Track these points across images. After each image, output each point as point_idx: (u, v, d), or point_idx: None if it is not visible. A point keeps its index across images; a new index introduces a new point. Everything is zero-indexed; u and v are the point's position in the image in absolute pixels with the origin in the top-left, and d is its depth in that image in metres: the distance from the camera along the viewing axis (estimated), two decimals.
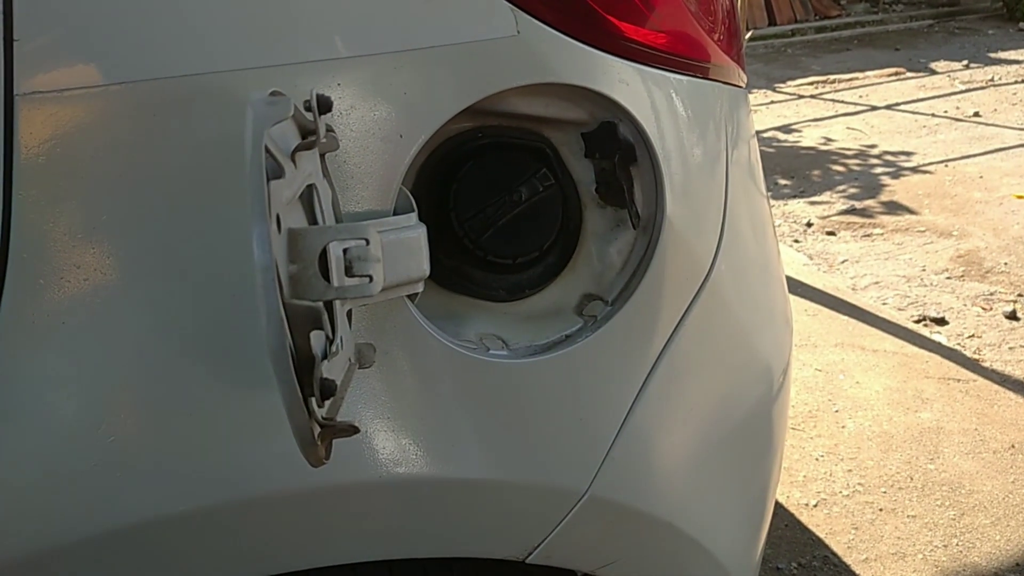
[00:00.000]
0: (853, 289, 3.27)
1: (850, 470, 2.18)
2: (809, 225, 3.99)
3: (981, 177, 4.35)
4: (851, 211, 4.12)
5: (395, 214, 0.65)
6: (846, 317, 3.00)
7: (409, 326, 0.67)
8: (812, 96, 6.35)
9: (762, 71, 7.06)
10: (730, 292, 0.85)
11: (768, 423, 0.94)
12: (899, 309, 3.08)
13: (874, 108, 5.90)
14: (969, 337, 2.83)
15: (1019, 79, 6.29)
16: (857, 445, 2.27)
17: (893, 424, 2.35)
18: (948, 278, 3.29)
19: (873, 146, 5.08)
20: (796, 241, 3.83)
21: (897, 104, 5.93)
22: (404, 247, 0.61)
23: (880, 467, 2.18)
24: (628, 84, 0.73)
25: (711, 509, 0.86)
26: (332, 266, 0.48)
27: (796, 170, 4.75)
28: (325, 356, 0.47)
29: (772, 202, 4.16)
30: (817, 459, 2.23)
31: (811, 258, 3.63)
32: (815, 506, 2.06)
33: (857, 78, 6.71)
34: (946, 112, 5.61)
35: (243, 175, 0.43)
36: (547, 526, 0.75)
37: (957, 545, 1.91)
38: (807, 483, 2.14)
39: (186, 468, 0.63)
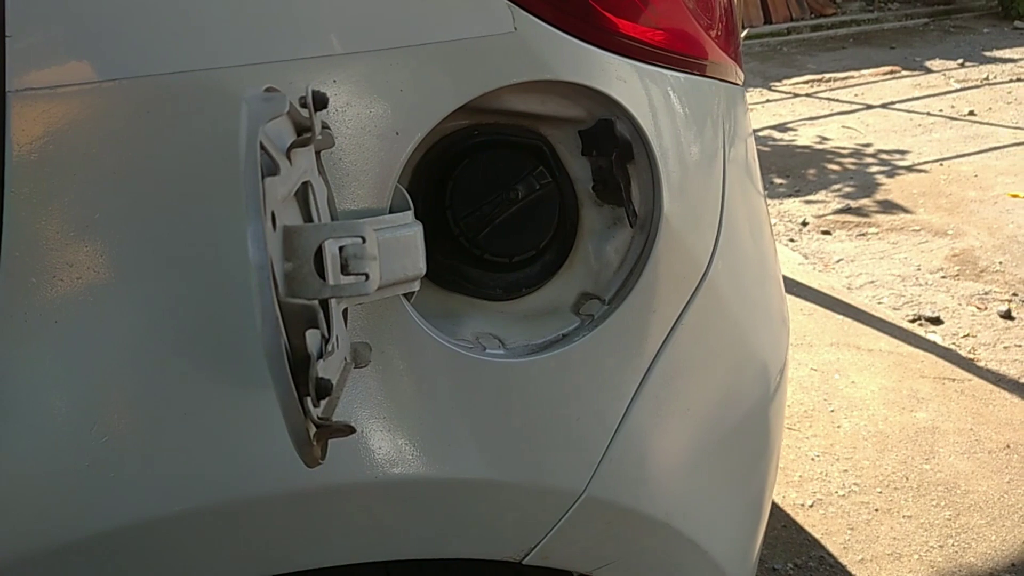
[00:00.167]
0: (848, 288, 3.28)
1: (846, 470, 2.18)
2: (804, 224, 3.99)
3: (976, 176, 4.36)
4: (846, 210, 4.13)
5: (391, 212, 0.64)
6: (841, 316, 3.00)
7: (405, 325, 0.66)
8: (807, 95, 6.36)
9: (757, 69, 7.07)
10: (727, 291, 0.85)
11: (765, 423, 0.94)
12: (894, 308, 3.08)
13: (869, 107, 5.90)
14: (964, 336, 2.83)
15: (1014, 78, 6.30)
16: (853, 445, 2.27)
17: (889, 424, 2.35)
18: (943, 277, 3.29)
19: (868, 145, 5.09)
20: (791, 240, 3.83)
21: (892, 103, 5.94)
22: (400, 245, 0.61)
23: (876, 467, 2.18)
24: (626, 81, 0.72)
25: (708, 510, 0.85)
26: (327, 264, 0.48)
27: (791, 169, 4.75)
28: (321, 355, 0.46)
29: (768, 201, 4.17)
30: (813, 459, 2.23)
31: (806, 257, 3.63)
32: (811, 506, 2.06)
33: (852, 77, 6.72)
34: (941, 111, 5.62)
35: (238, 172, 0.42)
36: (544, 527, 0.74)
37: (953, 545, 1.91)
38: (803, 483, 2.14)
39: (180, 469, 0.62)
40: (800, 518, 2.02)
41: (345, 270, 0.49)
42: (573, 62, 0.69)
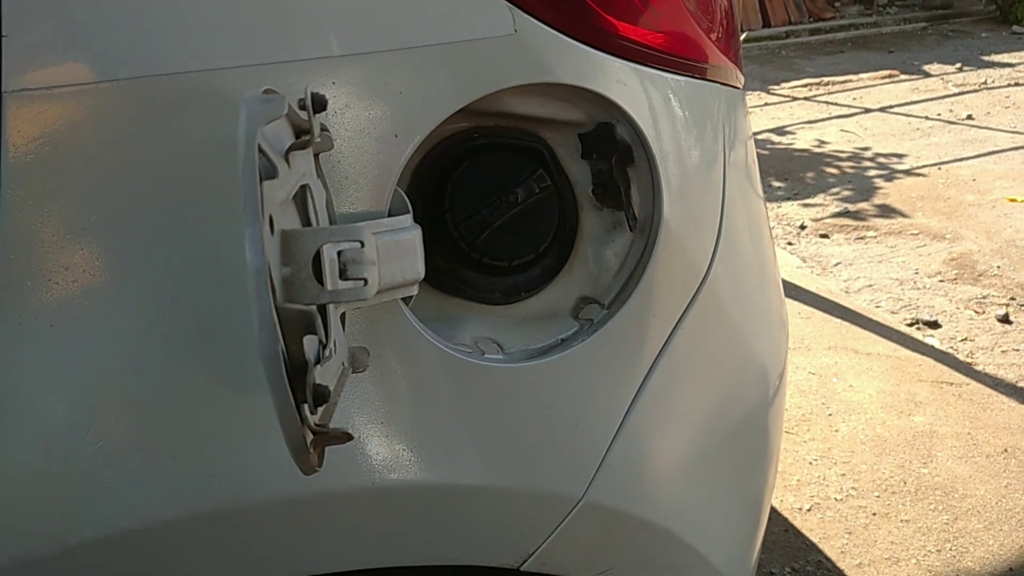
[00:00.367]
0: (846, 292, 3.28)
1: (843, 474, 2.18)
2: (802, 227, 3.99)
3: (974, 180, 4.36)
4: (844, 214, 4.12)
5: (390, 215, 0.64)
6: (839, 320, 3.00)
7: (403, 329, 0.66)
8: (806, 98, 6.36)
9: (756, 73, 7.07)
10: (727, 295, 0.84)
11: (764, 428, 0.94)
12: (892, 312, 3.08)
13: (868, 110, 5.91)
14: (962, 340, 2.83)
15: (1012, 82, 6.31)
16: (850, 449, 2.27)
17: (886, 428, 2.35)
18: (941, 281, 3.29)
19: (866, 148, 5.09)
20: (789, 243, 3.83)
21: (890, 106, 5.94)
22: (399, 249, 0.60)
23: (873, 471, 2.18)
24: (626, 84, 0.72)
25: (707, 515, 0.85)
26: (326, 269, 0.47)
27: (790, 172, 4.75)
28: (318, 361, 0.46)
29: (766, 204, 4.16)
30: (810, 463, 2.23)
31: (804, 260, 3.63)
32: (808, 510, 2.06)
33: (851, 80, 6.72)
34: (939, 115, 5.63)
35: (236, 174, 0.42)
36: (542, 533, 0.74)
37: (950, 550, 1.91)
38: (800, 487, 2.14)
39: (175, 474, 0.61)
40: (798, 522, 2.02)
41: (344, 275, 0.48)
42: (573, 65, 0.69)
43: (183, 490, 0.62)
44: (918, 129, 5.38)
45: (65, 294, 0.58)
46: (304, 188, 0.52)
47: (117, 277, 0.59)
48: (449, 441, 0.69)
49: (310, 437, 0.43)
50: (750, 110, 5.90)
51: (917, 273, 3.38)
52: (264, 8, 0.60)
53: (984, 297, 3.12)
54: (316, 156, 0.57)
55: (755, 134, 5.27)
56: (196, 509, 0.62)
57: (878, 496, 2.09)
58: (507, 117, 0.70)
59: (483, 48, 0.65)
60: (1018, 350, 2.74)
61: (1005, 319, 2.94)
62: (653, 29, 0.75)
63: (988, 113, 5.57)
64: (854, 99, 6.22)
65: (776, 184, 4.59)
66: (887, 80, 6.67)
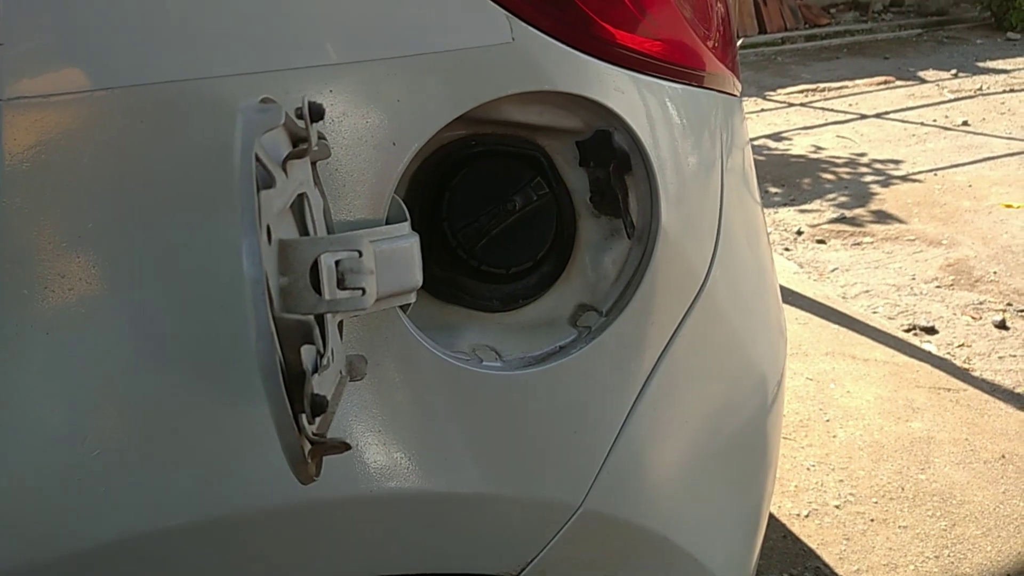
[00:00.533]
0: (843, 298, 3.28)
1: (841, 480, 2.17)
2: (799, 233, 3.99)
3: (970, 186, 4.37)
4: (841, 219, 4.13)
5: (387, 223, 0.63)
6: (836, 326, 3.00)
7: (401, 337, 0.66)
8: (802, 104, 6.38)
9: (752, 79, 7.09)
10: (725, 302, 0.84)
11: (763, 434, 0.94)
12: (889, 318, 3.08)
13: (863, 116, 5.92)
14: (959, 346, 2.83)
15: (1007, 88, 6.33)
16: (848, 455, 2.27)
17: (884, 434, 2.35)
18: (938, 287, 3.30)
19: (863, 154, 5.10)
20: (786, 249, 3.83)
21: (886, 113, 5.95)
22: (397, 257, 0.60)
23: (871, 477, 2.18)
24: (623, 92, 0.72)
25: (706, 522, 0.85)
26: (323, 279, 0.47)
27: (786, 178, 4.76)
28: (315, 370, 0.46)
29: (763, 210, 4.16)
30: (808, 469, 2.22)
31: (801, 266, 3.63)
32: (806, 516, 2.05)
33: (847, 86, 6.74)
34: (935, 121, 5.64)
35: (233, 184, 0.42)
36: (540, 541, 0.73)
37: (948, 556, 1.91)
38: (798, 493, 2.13)
39: (172, 483, 0.61)
40: (796, 528, 2.02)
41: (341, 284, 0.48)
42: (571, 73, 0.69)
43: (180, 499, 0.62)
44: (914, 135, 5.40)
45: (62, 302, 0.58)
46: (301, 197, 0.52)
47: (114, 285, 0.58)
48: (447, 449, 0.69)
49: (308, 447, 0.43)
50: (746, 116, 5.89)
51: (914, 279, 3.39)
52: (261, 16, 0.59)
53: (981, 303, 3.13)
54: (313, 164, 0.57)
55: (752, 140, 5.27)
56: (193, 518, 0.62)
57: (876, 502, 2.09)
58: (505, 125, 0.70)
59: (481, 56, 0.65)
60: (1015, 356, 2.75)
61: (1002, 325, 2.94)
62: (650, 37, 0.75)
63: (983, 119, 5.58)
64: (850, 105, 6.23)
65: (773, 190, 4.60)
66: (883, 86, 6.69)
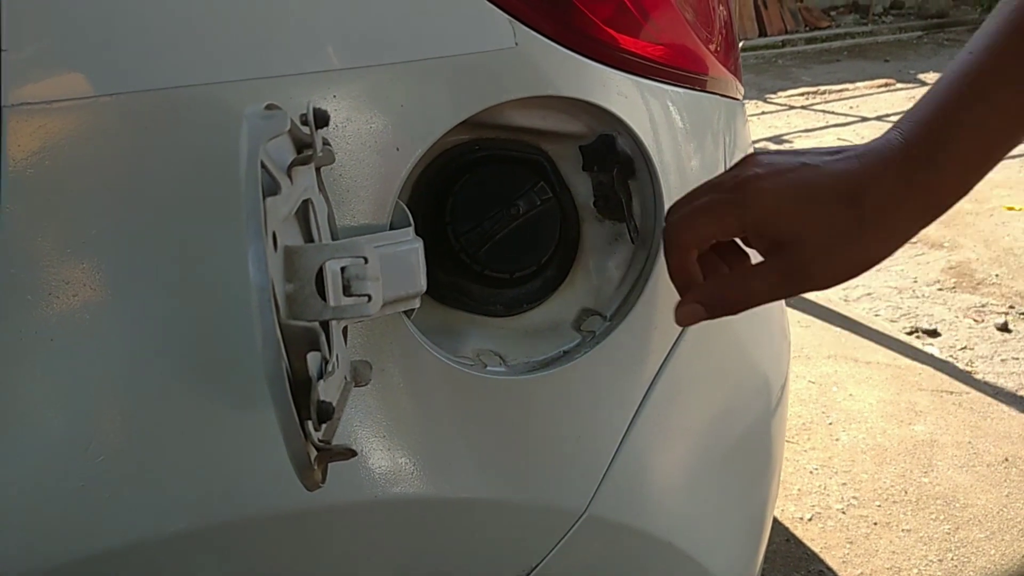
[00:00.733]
0: (845, 300, 3.28)
1: (844, 483, 2.17)
2: None
3: None
4: None
5: (391, 228, 0.63)
6: (839, 329, 3.00)
7: (405, 342, 0.66)
8: (803, 107, 6.38)
9: (753, 81, 7.09)
10: None
11: (767, 439, 0.93)
12: (891, 321, 3.08)
13: (864, 119, 5.92)
14: (961, 349, 2.83)
15: None
16: (851, 458, 2.27)
17: (887, 437, 2.35)
18: (940, 290, 3.30)
19: None
20: None
21: (887, 115, 5.96)
22: (401, 262, 0.60)
23: (874, 480, 2.17)
24: (627, 97, 0.72)
25: (710, 527, 0.85)
26: (328, 285, 0.47)
27: None
28: (321, 376, 0.46)
29: None
30: (811, 472, 2.22)
31: None
32: (810, 520, 2.05)
33: (847, 89, 6.75)
34: None
35: (237, 189, 0.42)
36: (545, 546, 0.73)
37: (952, 560, 1.90)
38: (801, 497, 2.13)
39: (176, 489, 0.61)
40: (799, 532, 2.01)
41: (347, 291, 0.48)
42: (574, 77, 0.69)
43: (184, 504, 0.62)
44: None
45: (66, 308, 0.58)
46: (306, 203, 0.52)
47: (118, 291, 0.58)
48: (451, 454, 0.69)
49: (314, 454, 0.43)
50: (748, 118, 5.90)
51: (916, 282, 3.39)
52: (264, 22, 0.59)
53: (983, 306, 3.12)
54: (318, 170, 0.57)
55: (753, 143, 5.26)
56: (197, 524, 0.62)
57: (879, 506, 2.09)
58: (508, 130, 0.70)
59: (484, 61, 0.64)
60: (1017, 359, 2.74)
61: (1004, 327, 2.94)
62: (653, 41, 0.75)
63: None
64: (850, 108, 6.24)
65: None
66: (883, 89, 6.70)
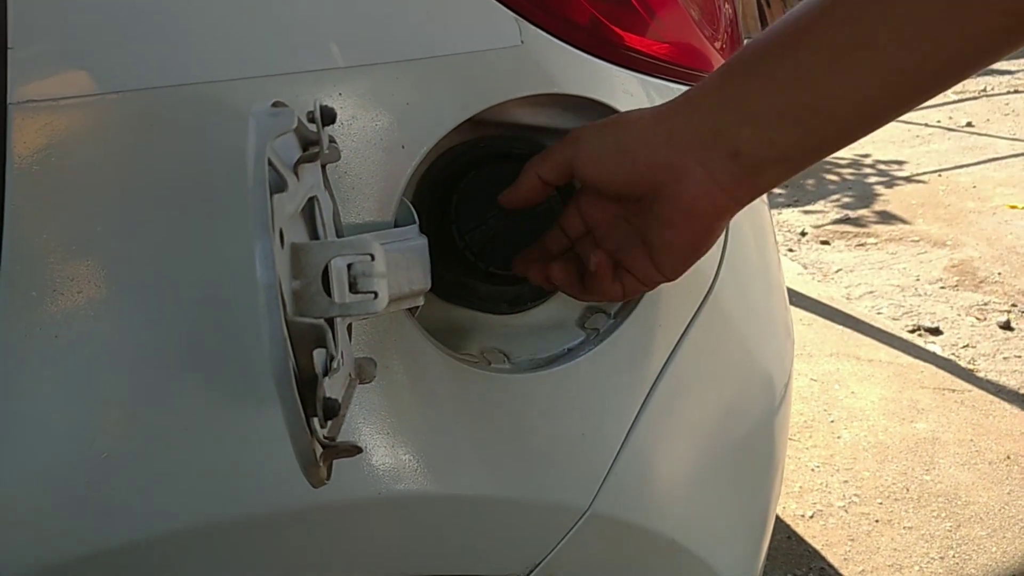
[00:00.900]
0: (847, 298, 3.28)
1: (846, 481, 2.17)
2: (803, 234, 3.99)
3: (974, 187, 4.37)
4: (845, 220, 4.13)
5: (396, 226, 0.63)
6: (841, 327, 3.00)
7: (410, 340, 0.66)
8: None
9: None
10: (733, 303, 0.84)
11: (770, 436, 0.93)
12: (894, 319, 3.08)
13: None
14: (964, 347, 2.83)
15: (1011, 89, 6.32)
16: (853, 456, 2.27)
17: (889, 434, 2.35)
18: (942, 288, 3.29)
19: (866, 155, 5.10)
20: (790, 250, 3.83)
21: None
22: (406, 260, 0.60)
23: (876, 478, 2.18)
24: (632, 95, 0.72)
25: (714, 524, 0.85)
26: (333, 282, 0.47)
27: (790, 179, 4.75)
28: (326, 373, 0.46)
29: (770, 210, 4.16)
30: (813, 470, 2.22)
31: (805, 267, 3.63)
32: (811, 517, 2.05)
33: None
34: (939, 122, 5.64)
35: (244, 187, 0.42)
36: (548, 544, 0.73)
37: (953, 557, 1.90)
38: (803, 494, 2.13)
39: (181, 486, 0.61)
40: (800, 529, 2.02)
41: (354, 288, 0.48)
42: (579, 75, 0.69)
43: (188, 502, 0.62)
44: (918, 136, 5.39)
45: (71, 305, 0.58)
46: (312, 200, 0.52)
47: (123, 288, 0.58)
48: (455, 451, 0.69)
49: (320, 451, 0.43)
50: None
51: (918, 280, 3.38)
52: (270, 19, 0.60)
53: (985, 304, 3.12)
54: (324, 168, 0.57)
55: None
56: (202, 521, 0.62)
57: (881, 503, 2.09)
58: (513, 127, 0.70)
59: (490, 59, 0.65)
60: (1020, 356, 2.74)
61: (1007, 326, 2.94)
62: (659, 39, 0.75)
63: (988, 120, 5.58)
64: None
65: (776, 191, 4.59)
66: None
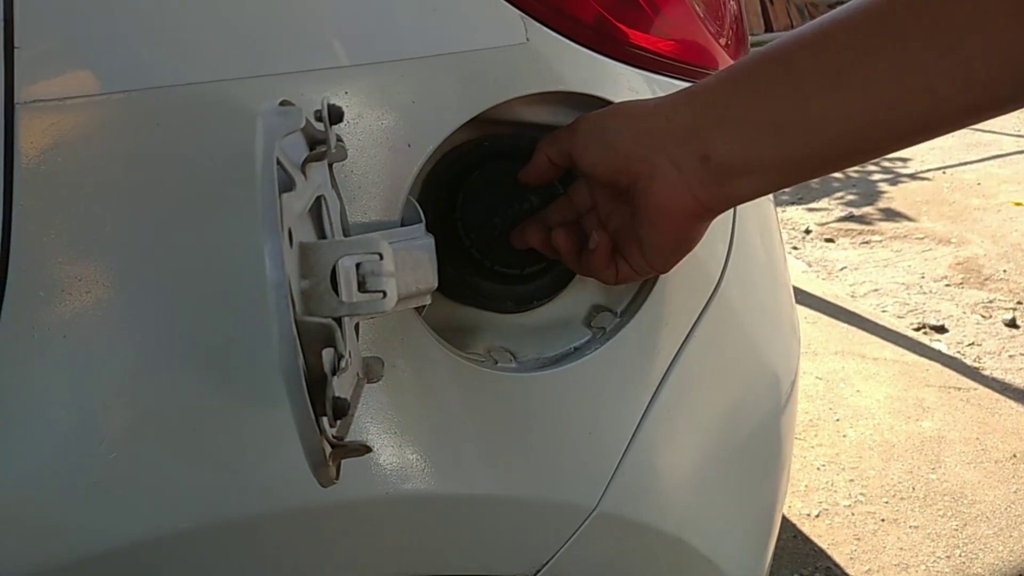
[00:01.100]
0: (852, 296, 3.27)
1: (852, 480, 2.17)
2: (808, 232, 3.98)
3: (979, 184, 4.36)
4: (849, 218, 4.12)
5: (402, 224, 0.63)
6: (846, 325, 2.99)
7: (416, 339, 0.66)
8: None
9: None
10: (739, 302, 0.84)
11: (777, 435, 0.93)
12: (899, 317, 3.07)
13: None
14: (969, 345, 2.82)
15: None
16: (858, 454, 2.26)
17: (894, 433, 2.34)
18: (947, 285, 3.29)
19: None
20: (795, 248, 3.82)
21: None
22: (412, 259, 0.60)
23: (882, 477, 2.17)
24: (637, 92, 0.72)
25: (720, 523, 0.85)
26: (341, 281, 0.47)
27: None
28: (335, 372, 0.46)
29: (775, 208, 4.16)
30: (818, 468, 2.22)
31: (810, 265, 3.62)
32: (817, 516, 2.05)
33: None
34: None
35: (251, 186, 0.42)
36: (556, 543, 0.73)
37: (960, 556, 1.90)
38: (808, 493, 2.13)
39: (189, 485, 0.61)
40: (806, 528, 2.01)
41: (362, 287, 0.48)
42: (585, 73, 0.69)
43: (197, 501, 0.62)
44: None
45: (78, 305, 0.58)
46: (319, 199, 0.52)
47: (131, 288, 0.58)
48: (462, 450, 0.69)
49: (329, 450, 0.43)
50: None
51: (923, 277, 3.38)
52: (276, 18, 0.59)
53: (991, 301, 3.12)
54: (330, 166, 0.57)
55: None
56: (210, 520, 0.62)
57: (887, 502, 2.08)
58: (519, 125, 0.70)
59: (495, 57, 0.64)
60: None
61: (1012, 323, 2.93)
62: (664, 36, 0.75)
63: None
64: None
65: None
66: None
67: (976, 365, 2.69)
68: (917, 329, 2.96)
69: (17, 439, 0.59)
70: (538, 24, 0.65)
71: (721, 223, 0.81)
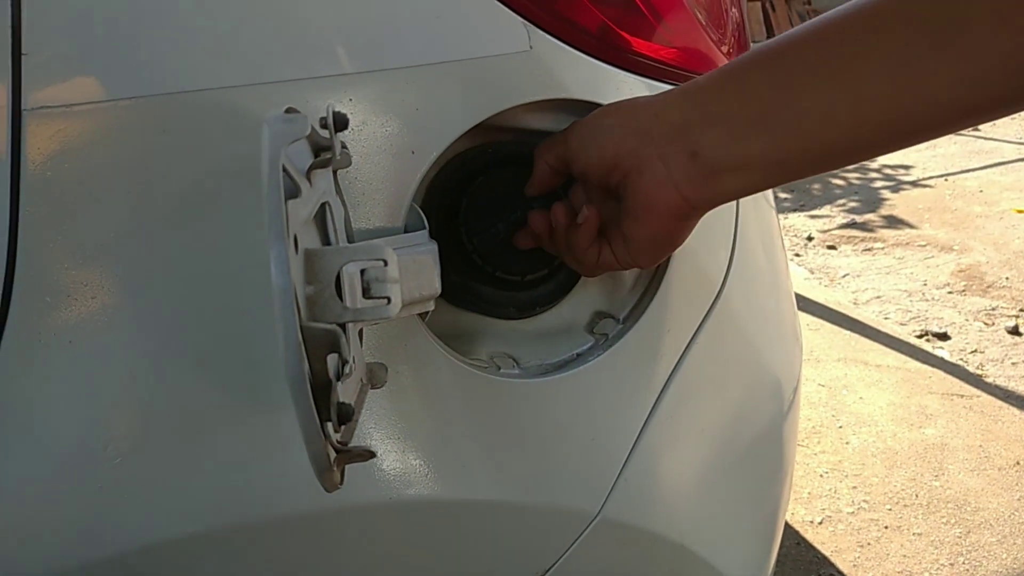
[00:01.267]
0: (855, 303, 3.27)
1: (855, 487, 2.17)
2: (810, 239, 3.99)
3: (981, 191, 4.36)
4: (851, 225, 4.12)
5: (406, 231, 0.64)
6: (848, 332, 2.99)
7: (419, 345, 0.66)
8: None
9: None
10: (741, 308, 0.84)
11: (779, 441, 0.93)
12: (901, 324, 3.07)
13: None
14: (972, 352, 2.82)
15: None
16: (861, 461, 2.26)
17: (897, 440, 2.34)
18: (950, 293, 3.28)
19: (872, 159, 5.09)
20: (797, 255, 3.82)
21: None
22: (416, 265, 0.60)
23: (885, 484, 2.17)
24: None
25: (723, 530, 0.85)
26: (346, 287, 0.47)
27: (796, 184, 4.75)
28: (339, 378, 0.46)
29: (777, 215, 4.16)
30: (821, 475, 2.22)
31: (812, 272, 3.62)
32: (820, 523, 2.05)
33: None
34: None
35: (257, 192, 0.42)
36: (558, 549, 0.73)
37: (963, 563, 1.90)
38: (812, 500, 2.13)
39: (194, 490, 0.61)
40: (809, 535, 2.01)
41: (367, 293, 0.48)
42: (587, 80, 0.69)
43: (202, 506, 0.62)
44: None
45: (84, 310, 0.58)
46: (324, 206, 0.52)
47: (137, 294, 0.59)
48: (465, 456, 0.69)
49: (333, 455, 0.43)
50: None
51: (925, 285, 3.38)
52: (281, 26, 0.60)
53: (993, 309, 3.11)
54: (335, 173, 0.57)
55: None
56: (215, 525, 0.62)
57: (890, 509, 2.08)
58: (522, 132, 0.70)
59: (499, 65, 0.65)
60: None
61: (1015, 331, 2.93)
62: (666, 44, 0.75)
63: (994, 124, 5.56)
64: None
65: (783, 195, 4.59)
66: None
67: (979, 372, 2.69)
68: (920, 336, 2.96)
69: (23, 444, 0.59)
70: (541, 32, 0.66)
71: (723, 229, 0.81)
